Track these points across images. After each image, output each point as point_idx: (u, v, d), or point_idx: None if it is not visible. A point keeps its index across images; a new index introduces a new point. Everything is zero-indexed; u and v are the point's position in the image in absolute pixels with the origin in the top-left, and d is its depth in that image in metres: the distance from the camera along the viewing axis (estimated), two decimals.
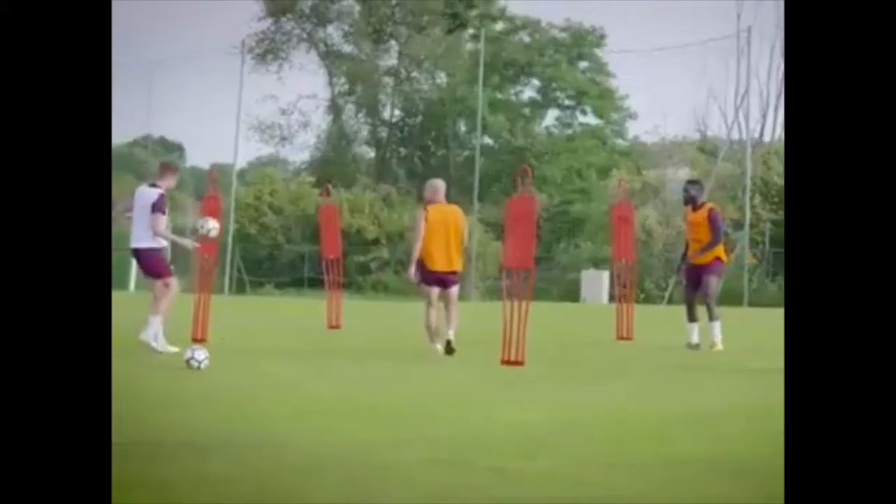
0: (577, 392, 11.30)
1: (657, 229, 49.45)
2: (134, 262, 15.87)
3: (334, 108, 62.57)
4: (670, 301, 44.78)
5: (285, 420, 8.62)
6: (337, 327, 21.52)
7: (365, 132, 63.87)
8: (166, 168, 15.43)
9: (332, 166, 59.87)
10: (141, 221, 14.95)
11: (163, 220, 14.84)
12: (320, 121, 63.29)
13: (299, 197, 54.81)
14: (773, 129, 56.60)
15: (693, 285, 17.69)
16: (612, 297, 34.43)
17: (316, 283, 43.14)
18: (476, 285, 47.20)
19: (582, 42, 61.49)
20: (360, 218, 52.11)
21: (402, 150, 64.54)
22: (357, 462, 6.74)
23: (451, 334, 15.43)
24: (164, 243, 15.06)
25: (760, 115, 55.69)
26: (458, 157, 60.67)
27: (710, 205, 17.98)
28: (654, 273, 47.44)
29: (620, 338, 19.73)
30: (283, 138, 62.91)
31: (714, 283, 17.56)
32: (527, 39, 62.26)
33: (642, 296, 41.84)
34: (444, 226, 15.67)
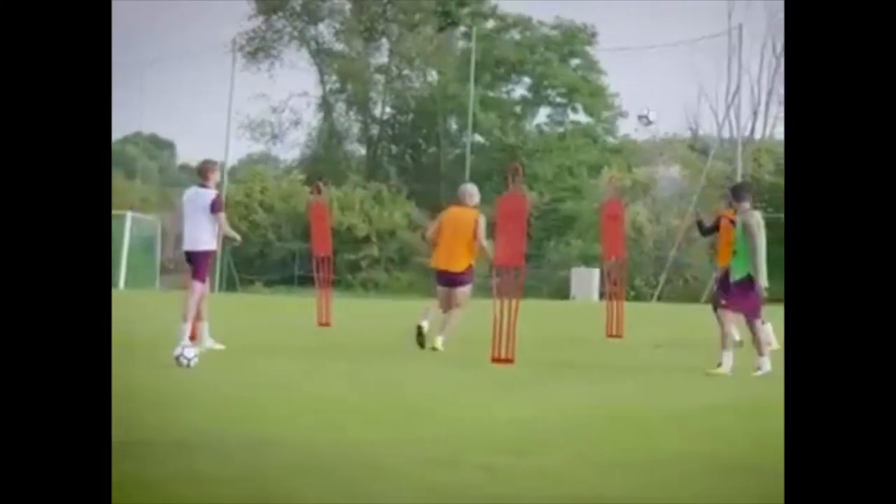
0: (567, 390, 11.30)
1: (647, 227, 49.45)
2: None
3: (325, 106, 62.46)
4: (660, 298, 44.83)
5: (276, 419, 8.62)
6: (327, 325, 21.51)
7: (356, 130, 63.77)
8: (207, 168, 15.42)
9: (322, 164, 59.79)
10: (197, 223, 15.00)
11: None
12: (311, 118, 63.22)
13: (290, 194, 54.75)
14: (765, 126, 56.73)
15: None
16: (602, 295, 34.41)
17: (306, 281, 43.08)
18: None
19: (573, 40, 61.37)
20: (351, 215, 52.05)
21: (393, 148, 64.44)
22: (347, 460, 6.74)
23: (438, 342, 15.68)
24: (214, 246, 15.25)
25: (751, 113, 55.81)
26: (449, 155, 60.57)
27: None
28: (644, 270, 47.45)
29: (610, 335, 19.72)
30: (274, 136, 62.82)
31: None
32: (518, 37, 62.20)
33: (632, 293, 41.84)
34: (452, 227, 16.14)
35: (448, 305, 16.11)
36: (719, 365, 13.20)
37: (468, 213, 16.20)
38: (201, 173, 15.28)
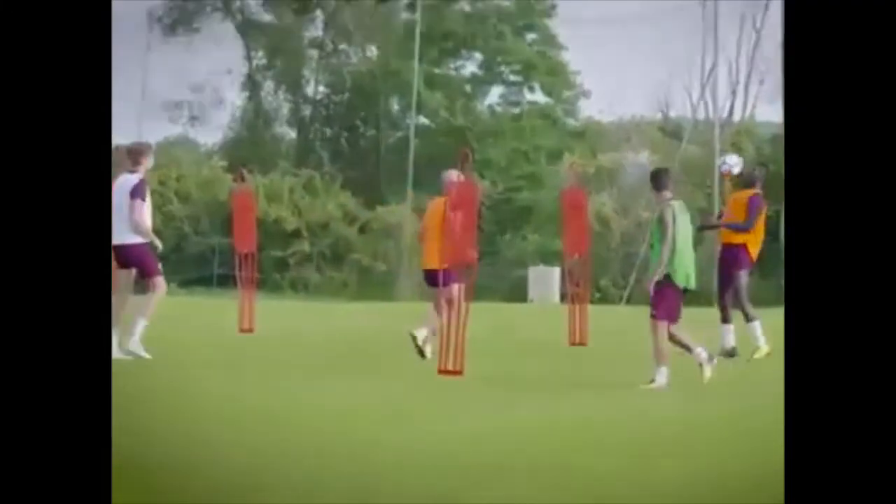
0: (523, 406, 11.13)
1: (614, 219, 49.57)
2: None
3: (251, 84, 62.60)
4: (629, 301, 44.85)
5: (202, 436, 8.47)
6: (250, 331, 21.24)
7: (285, 110, 63.98)
8: (139, 150, 15.31)
9: (247, 148, 59.77)
10: (122, 214, 14.60)
11: (144, 208, 14.81)
12: (235, 98, 63.39)
13: (210, 182, 54.47)
14: (744, 107, 57.03)
15: (721, 281, 17.02)
16: (563, 297, 34.36)
17: (226, 281, 42.82)
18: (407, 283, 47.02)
19: (529, 12, 61.66)
20: (279, 207, 51.84)
21: (327, 131, 64.57)
22: (279, 478, 6.67)
23: (420, 332, 15.82)
24: (145, 238, 14.89)
25: (729, 93, 56.05)
26: (390, 139, 60.67)
27: (756, 190, 17.48)
28: (610, 269, 47.57)
29: (573, 343, 19.62)
30: (194, 117, 63.07)
31: (744, 279, 17.00)
32: (468, 9, 62.31)
33: (598, 295, 41.90)
34: (431, 221, 16.29)
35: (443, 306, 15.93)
36: (652, 381, 12.77)
37: (441, 202, 16.02)
38: (132, 157, 15.02)
